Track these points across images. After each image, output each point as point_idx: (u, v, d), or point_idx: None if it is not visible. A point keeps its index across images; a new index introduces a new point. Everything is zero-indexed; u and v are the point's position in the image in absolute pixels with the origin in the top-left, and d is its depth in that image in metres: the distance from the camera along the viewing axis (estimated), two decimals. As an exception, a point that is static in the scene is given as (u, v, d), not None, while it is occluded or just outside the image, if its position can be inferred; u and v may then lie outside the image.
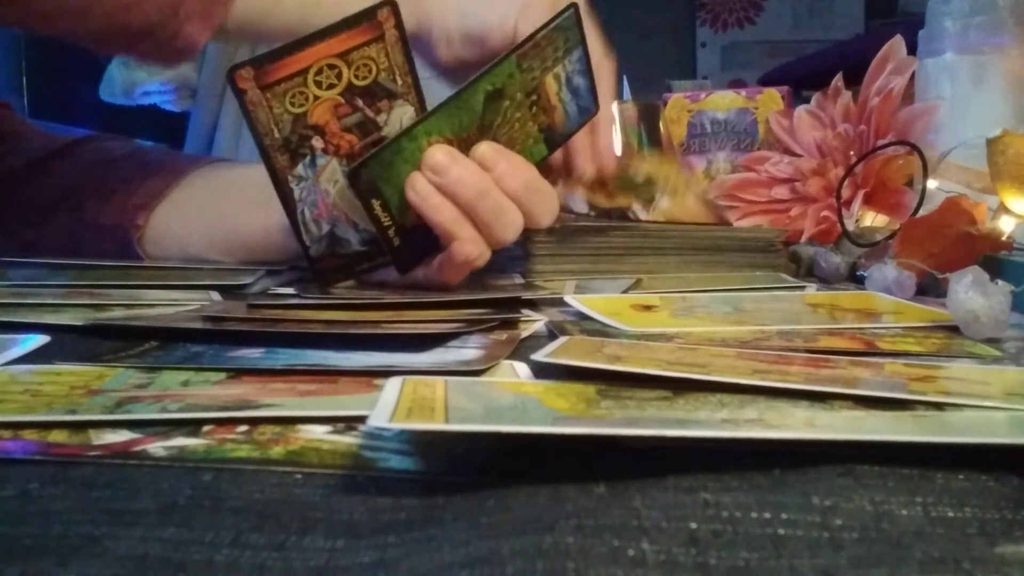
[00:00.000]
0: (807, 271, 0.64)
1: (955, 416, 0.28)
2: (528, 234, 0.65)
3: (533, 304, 0.50)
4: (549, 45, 0.55)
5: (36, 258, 0.66)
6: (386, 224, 0.52)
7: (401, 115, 0.54)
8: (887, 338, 0.41)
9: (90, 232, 0.68)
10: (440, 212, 0.50)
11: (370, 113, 0.53)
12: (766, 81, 1.27)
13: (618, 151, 0.79)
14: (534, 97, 0.56)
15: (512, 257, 0.71)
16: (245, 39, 0.77)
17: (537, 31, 0.54)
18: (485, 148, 0.51)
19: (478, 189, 0.50)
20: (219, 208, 0.66)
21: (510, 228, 0.51)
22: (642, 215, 0.70)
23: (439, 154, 0.50)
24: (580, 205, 0.70)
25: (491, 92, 0.52)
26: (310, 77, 0.51)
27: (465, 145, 0.52)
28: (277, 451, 0.25)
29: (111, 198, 0.68)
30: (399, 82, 0.53)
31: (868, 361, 0.35)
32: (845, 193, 0.71)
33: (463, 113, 0.51)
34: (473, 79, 0.52)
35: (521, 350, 0.37)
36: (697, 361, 0.33)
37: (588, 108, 0.60)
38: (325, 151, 0.54)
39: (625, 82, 0.89)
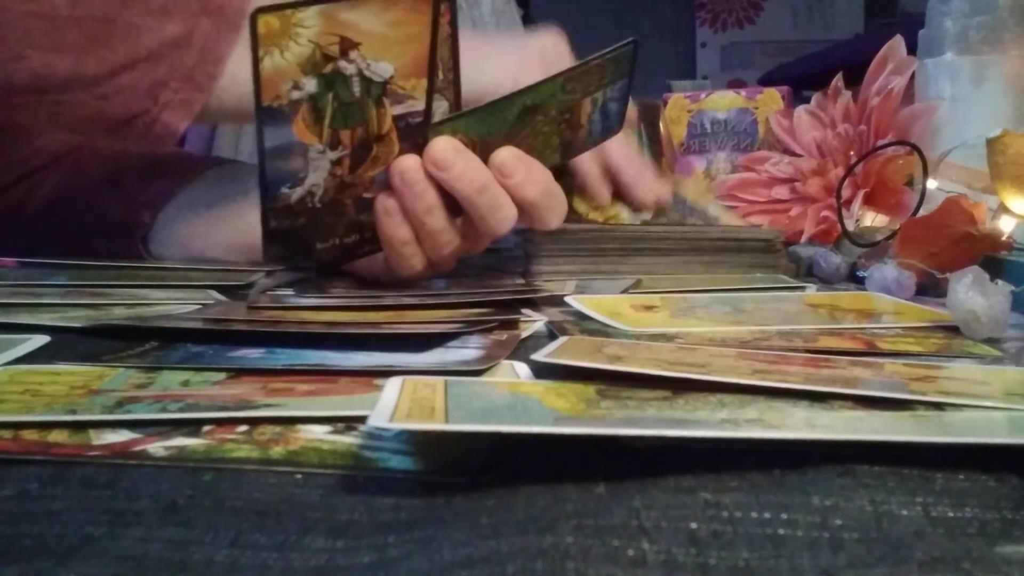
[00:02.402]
0: (807, 271, 0.64)
1: (955, 416, 0.28)
2: (528, 234, 0.65)
3: (533, 304, 0.50)
4: (598, 72, 0.56)
5: (38, 258, 0.66)
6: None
7: (436, 109, 0.53)
8: (887, 338, 0.41)
9: (99, 226, 0.69)
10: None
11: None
12: (766, 81, 1.27)
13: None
14: (567, 115, 0.56)
15: (512, 257, 0.71)
16: (227, 121, 0.75)
17: (592, 58, 0.55)
18: (506, 155, 0.52)
19: (479, 185, 0.51)
20: (225, 209, 0.66)
21: (505, 222, 0.52)
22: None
23: (444, 149, 0.50)
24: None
25: (529, 107, 0.53)
26: None
27: (486, 147, 0.52)
28: (277, 451, 0.25)
29: (123, 195, 0.69)
30: (441, 76, 0.53)
31: (868, 361, 0.35)
32: (845, 193, 0.71)
33: (495, 120, 0.52)
34: (516, 92, 0.52)
35: (521, 350, 0.37)
36: (697, 361, 0.33)
37: (611, 129, 0.61)
38: None
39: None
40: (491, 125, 0.52)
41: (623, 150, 0.67)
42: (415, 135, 0.51)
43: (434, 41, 0.50)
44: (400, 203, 0.51)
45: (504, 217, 0.52)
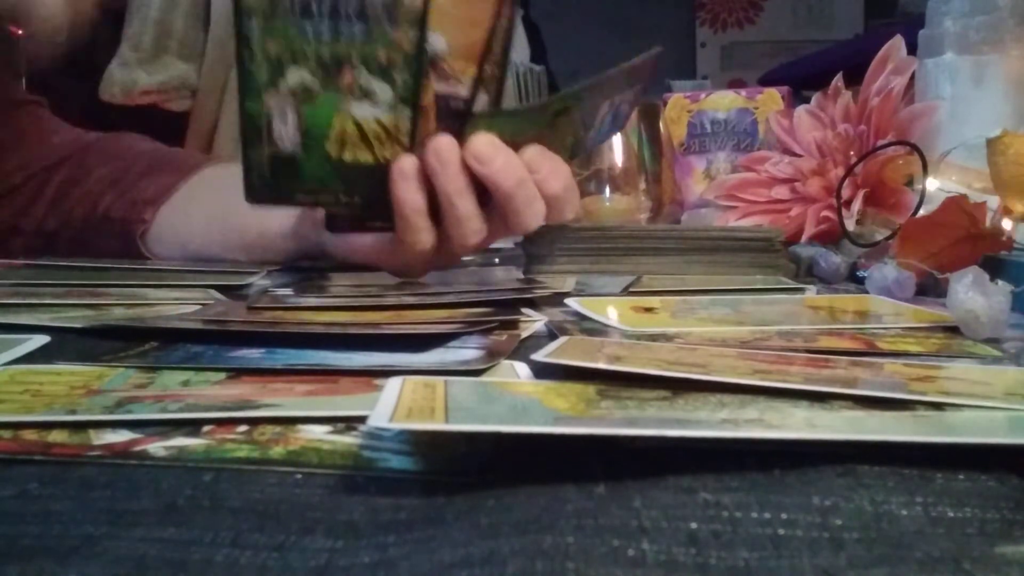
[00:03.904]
0: (807, 271, 0.64)
1: (955, 416, 0.28)
2: (528, 234, 0.65)
3: (533, 304, 0.50)
4: (626, 78, 0.57)
5: (44, 257, 0.66)
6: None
7: (477, 101, 0.54)
8: (887, 338, 0.41)
9: (100, 224, 0.69)
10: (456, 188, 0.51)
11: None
12: (766, 81, 1.27)
13: (618, 152, 0.79)
14: (587, 118, 0.57)
15: (512, 257, 0.71)
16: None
17: (625, 65, 0.56)
18: (533, 151, 0.53)
19: (517, 179, 0.51)
20: (222, 208, 0.67)
21: (538, 217, 0.53)
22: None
23: (486, 144, 0.51)
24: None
25: (560, 110, 0.53)
26: None
27: (514, 145, 0.52)
28: (277, 451, 0.25)
29: (123, 193, 0.69)
30: (488, 70, 0.53)
31: (868, 361, 0.35)
32: (845, 193, 0.71)
33: (530, 124, 0.53)
34: (555, 97, 0.53)
35: (521, 350, 0.37)
36: (697, 361, 0.33)
37: (616, 130, 0.62)
38: None
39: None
40: (526, 128, 0.53)
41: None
42: (452, 120, 0.52)
43: (492, 31, 0.51)
44: (434, 182, 0.51)
45: (537, 211, 0.53)
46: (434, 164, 0.51)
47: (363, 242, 0.58)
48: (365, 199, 0.53)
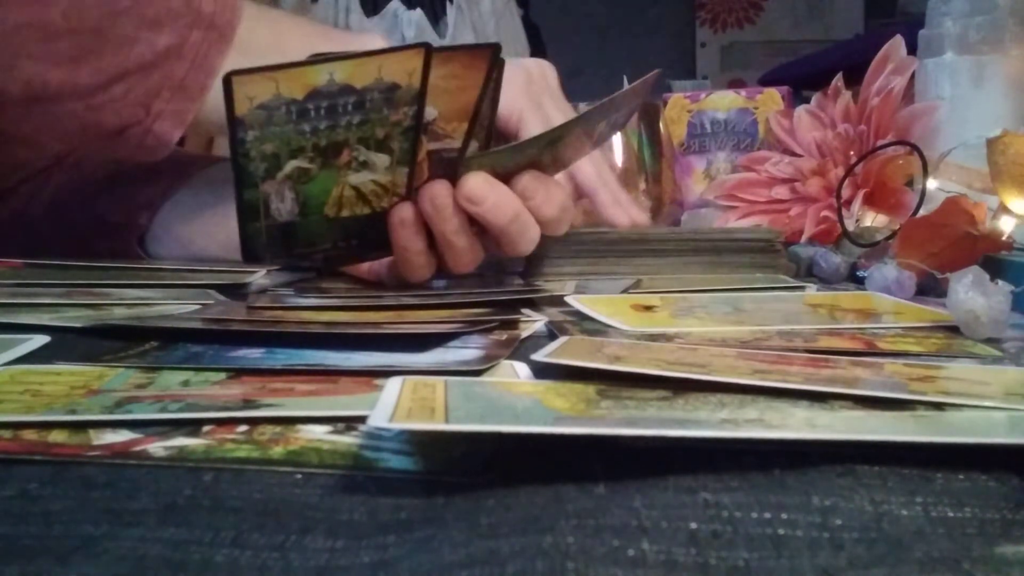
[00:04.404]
0: (807, 271, 0.64)
1: (955, 416, 0.28)
2: None
3: (533, 304, 0.50)
4: (624, 102, 0.57)
5: (40, 259, 0.66)
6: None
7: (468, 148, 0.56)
8: (887, 338, 0.41)
9: (98, 229, 0.69)
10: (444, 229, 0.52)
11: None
12: (766, 81, 1.27)
13: (618, 152, 0.79)
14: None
15: (512, 258, 0.71)
16: (219, 131, 0.74)
17: (626, 90, 0.56)
18: (528, 180, 0.53)
19: (511, 214, 0.52)
20: (222, 208, 0.66)
21: (532, 242, 0.55)
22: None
23: (477, 184, 0.51)
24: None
25: (554, 139, 0.54)
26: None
27: (508, 174, 0.53)
28: (277, 451, 0.25)
29: (119, 197, 0.69)
30: (478, 123, 0.55)
31: (868, 361, 0.35)
32: (845, 193, 0.71)
33: (522, 156, 0.53)
34: (547, 132, 0.53)
35: (521, 350, 0.37)
36: (697, 361, 0.33)
37: (608, 137, 0.62)
38: None
39: (625, 82, 0.89)
40: (518, 160, 0.53)
41: (594, 172, 0.68)
42: (445, 167, 0.53)
43: (482, 96, 0.52)
44: (431, 225, 0.52)
45: (532, 238, 0.54)
46: (429, 210, 0.52)
47: (361, 264, 0.59)
48: (362, 240, 0.54)
